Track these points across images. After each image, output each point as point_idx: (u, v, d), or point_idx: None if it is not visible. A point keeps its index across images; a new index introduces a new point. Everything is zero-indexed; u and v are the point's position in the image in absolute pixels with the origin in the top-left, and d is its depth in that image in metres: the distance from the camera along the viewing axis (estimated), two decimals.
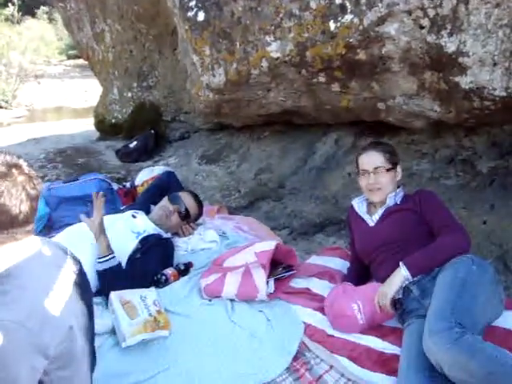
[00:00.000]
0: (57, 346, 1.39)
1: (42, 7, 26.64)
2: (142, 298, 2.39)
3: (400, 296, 2.30)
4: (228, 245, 3.18)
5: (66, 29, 7.87)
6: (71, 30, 7.21)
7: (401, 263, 2.27)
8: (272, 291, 2.60)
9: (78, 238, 2.80)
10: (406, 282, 2.26)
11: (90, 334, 1.69)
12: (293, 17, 3.07)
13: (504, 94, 2.56)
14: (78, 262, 1.74)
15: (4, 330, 1.27)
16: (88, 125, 8.19)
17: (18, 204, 1.41)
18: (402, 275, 2.25)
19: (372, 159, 2.58)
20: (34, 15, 25.88)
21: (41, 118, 13.53)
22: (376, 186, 2.56)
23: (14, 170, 1.43)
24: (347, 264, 2.90)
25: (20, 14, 18.99)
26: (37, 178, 1.51)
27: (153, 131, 5.83)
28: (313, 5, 2.95)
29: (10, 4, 18.52)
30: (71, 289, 1.57)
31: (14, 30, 17.00)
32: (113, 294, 2.39)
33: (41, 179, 4.15)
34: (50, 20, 26.60)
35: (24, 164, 1.48)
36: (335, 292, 2.48)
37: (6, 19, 17.63)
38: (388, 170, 2.56)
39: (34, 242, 1.54)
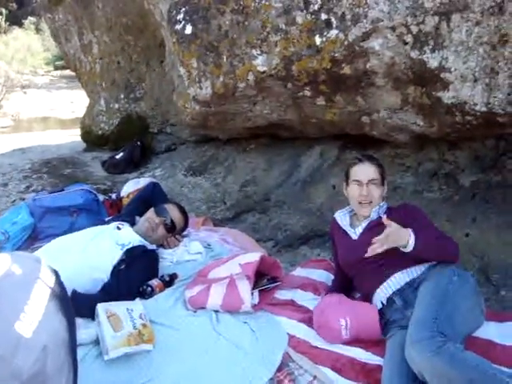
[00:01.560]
0: (30, 368, 1.36)
1: (29, 18, 26.61)
2: (129, 311, 2.38)
3: (382, 306, 2.32)
4: (213, 256, 3.18)
5: (53, 40, 7.86)
6: (59, 41, 7.21)
7: (411, 231, 2.25)
8: (256, 302, 2.61)
9: (67, 248, 2.81)
10: (404, 249, 2.26)
11: (71, 346, 1.66)
12: (279, 31, 3.10)
13: (485, 109, 2.61)
14: (54, 272, 1.72)
15: None
16: (74, 136, 8.17)
17: None
18: (407, 238, 2.23)
19: (368, 171, 2.58)
20: (21, 25, 25.82)
21: (27, 128, 13.46)
22: (368, 198, 2.56)
23: None
24: (331, 276, 2.92)
25: (7, 24, 18.98)
26: None
27: (139, 143, 5.83)
28: (299, 20, 2.99)
29: None
30: (46, 305, 1.53)
31: (1, 40, 16.96)
32: (99, 306, 2.38)
33: (26, 189, 4.12)
34: (37, 30, 26.53)
35: None
36: (329, 300, 2.50)
37: None
38: (380, 184, 2.59)
39: (2, 261, 1.50)
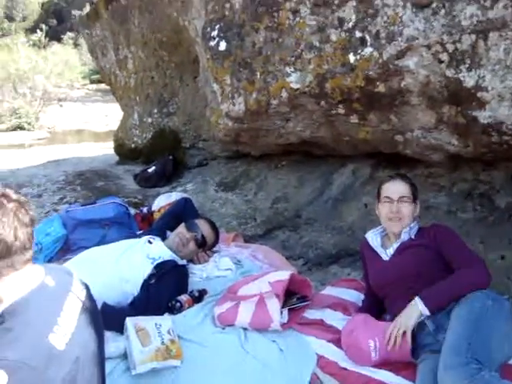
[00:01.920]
0: (62, 380, 1.39)
1: (68, 33, 27.33)
2: (157, 326, 2.38)
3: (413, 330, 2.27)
4: (243, 273, 3.18)
5: (90, 54, 8.05)
6: (95, 56, 7.37)
7: (417, 298, 2.24)
8: (286, 321, 2.59)
9: (98, 260, 2.84)
10: (422, 318, 2.23)
11: (100, 358, 1.69)
12: (313, 48, 3.10)
13: None
14: (85, 286, 1.75)
15: (7, 369, 1.27)
16: (108, 148, 8.29)
17: (13, 232, 1.42)
18: (418, 310, 2.22)
19: (398, 188, 2.59)
20: (60, 40, 26.51)
21: (62, 140, 13.75)
22: (398, 215, 2.55)
23: (2, 199, 1.44)
24: (362, 296, 2.87)
25: (47, 39, 19.47)
26: (27, 204, 1.51)
27: (171, 157, 5.87)
28: (333, 37, 2.99)
29: (38, 30, 19.02)
30: (78, 317, 1.56)
31: (40, 54, 17.40)
32: (128, 321, 2.39)
33: (60, 201, 4.19)
34: (75, 45, 27.21)
35: (11, 192, 1.49)
36: (356, 320, 2.46)
37: (34, 44, 18.09)
38: (411, 201, 2.57)
39: (37, 273, 1.54)
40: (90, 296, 1.74)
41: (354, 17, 2.88)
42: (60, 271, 1.70)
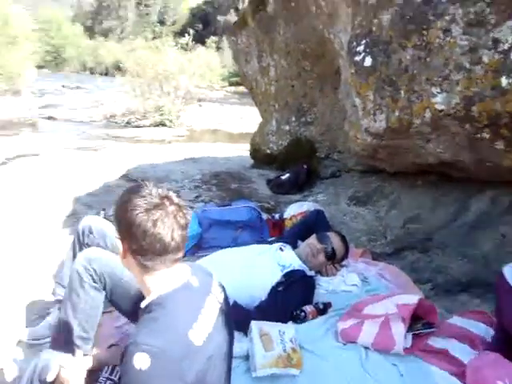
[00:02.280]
0: (195, 374, 1.49)
1: (211, 37, 28.63)
2: (281, 333, 2.45)
3: None
4: (368, 291, 3.17)
5: (234, 61, 8.36)
6: (239, 62, 7.64)
7: None
8: (408, 346, 2.54)
9: (230, 261, 2.97)
10: None
11: (229, 359, 1.79)
12: (462, 70, 3.02)
13: None
14: (222, 288, 1.85)
15: (151, 354, 1.40)
16: (242, 150, 8.53)
17: (170, 233, 1.55)
18: None
19: None
20: (203, 43, 27.84)
21: (198, 138, 14.36)
22: None
23: (165, 201, 1.57)
24: (491, 331, 2.74)
25: (193, 42, 20.45)
26: (186, 208, 1.64)
27: (305, 166, 5.93)
28: (485, 59, 2.89)
29: (186, 34, 20.06)
30: (216, 318, 1.66)
31: (186, 56, 18.30)
32: (253, 324, 2.48)
33: (195, 198, 4.40)
34: (217, 48, 28.42)
35: (173, 195, 1.62)
36: (485, 358, 2.37)
37: (182, 47, 19.10)
38: None
39: (184, 271, 1.67)
40: (226, 298, 1.84)
41: (510, 38, 2.77)
42: (203, 272, 1.82)
